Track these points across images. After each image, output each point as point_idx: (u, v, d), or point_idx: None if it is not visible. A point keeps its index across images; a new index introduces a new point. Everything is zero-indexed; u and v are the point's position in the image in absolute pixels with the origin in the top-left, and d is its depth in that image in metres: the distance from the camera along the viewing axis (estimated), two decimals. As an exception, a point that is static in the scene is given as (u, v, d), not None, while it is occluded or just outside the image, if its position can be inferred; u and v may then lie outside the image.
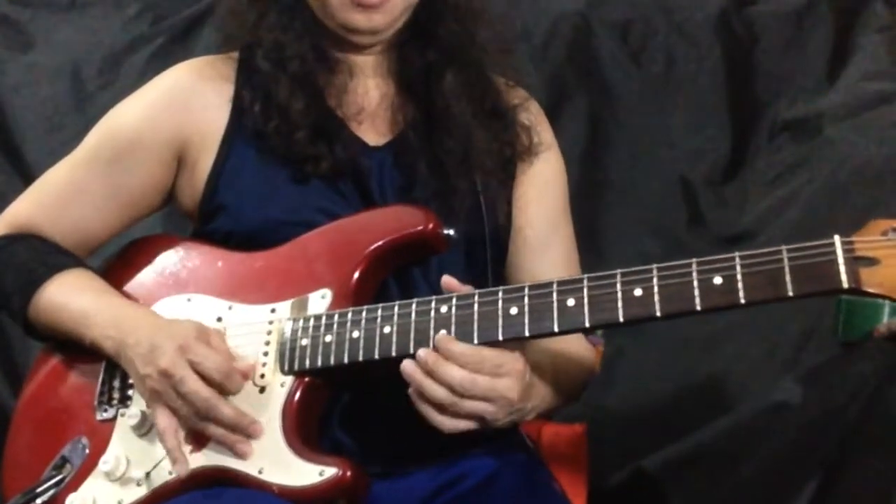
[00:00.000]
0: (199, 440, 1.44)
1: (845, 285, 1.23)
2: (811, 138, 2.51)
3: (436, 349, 1.37)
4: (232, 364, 1.44)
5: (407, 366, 1.38)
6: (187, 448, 1.44)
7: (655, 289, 1.31)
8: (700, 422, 2.29)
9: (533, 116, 1.72)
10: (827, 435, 2.00)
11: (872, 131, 2.36)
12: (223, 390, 1.42)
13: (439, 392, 1.36)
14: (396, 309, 1.42)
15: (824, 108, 2.53)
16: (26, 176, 2.59)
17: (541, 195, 1.70)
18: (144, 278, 1.62)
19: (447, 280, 1.43)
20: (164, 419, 1.43)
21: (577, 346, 1.65)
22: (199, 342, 1.43)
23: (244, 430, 1.42)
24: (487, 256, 1.63)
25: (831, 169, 2.39)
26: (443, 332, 1.38)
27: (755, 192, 2.59)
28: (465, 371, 1.36)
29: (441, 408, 1.38)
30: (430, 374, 1.36)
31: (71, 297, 1.56)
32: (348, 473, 1.37)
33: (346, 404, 1.52)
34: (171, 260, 1.62)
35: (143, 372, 1.44)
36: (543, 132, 1.72)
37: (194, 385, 1.40)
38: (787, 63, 2.67)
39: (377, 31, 1.59)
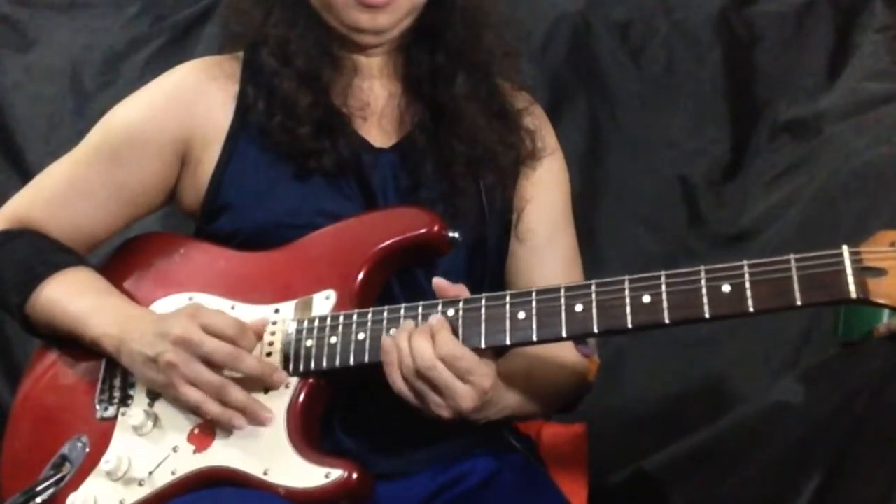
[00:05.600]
0: (203, 441, 1.44)
1: (853, 296, 1.23)
2: (811, 138, 2.52)
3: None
4: (242, 321, 1.45)
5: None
6: (190, 448, 1.44)
7: (664, 296, 1.31)
8: (700, 422, 2.29)
9: (537, 120, 1.71)
10: (827, 435, 2.00)
11: (872, 131, 2.37)
12: (239, 346, 1.43)
13: (407, 361, 1.36)
14: (402, 311, 1.42)
15: (824, 108, 2.53)
16: (26, 176, 2.57)
17: (541, 199, 1.70)
18: (145, 276, 1.62)
19: (437, 282, 1.43)
20: (191, 392, 1.42)
21: (564, 356, 1.65)
22: (206, 309, 1.45)
23: (267, 379, 1.43)
24: (489, 261, 1.63)
25: (831, 169, 2.39)
26: (439, 316, 1.38)
27: (755, 192, 2.59)
28: (437, 358, 1.36)
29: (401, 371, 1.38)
30: (409, 338, 1.37)
31: (71, 296, 1.55)
32: (354, 476, 1.37)
33: (348, 405, 1.52)
34: (172, 258, 1.62)
35: (152, 354, 1.43)
36: (547, 136, 1.72)
37: (213, 342, 1.41)
38: (787, 63, 2.68)
39: (381, 31, 1.58)
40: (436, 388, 1.37)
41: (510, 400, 1.52)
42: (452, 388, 1.36)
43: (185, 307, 1.47)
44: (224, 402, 1.42)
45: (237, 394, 1.42)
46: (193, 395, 1.42)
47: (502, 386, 1.48)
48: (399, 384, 1.38)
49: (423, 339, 1.36)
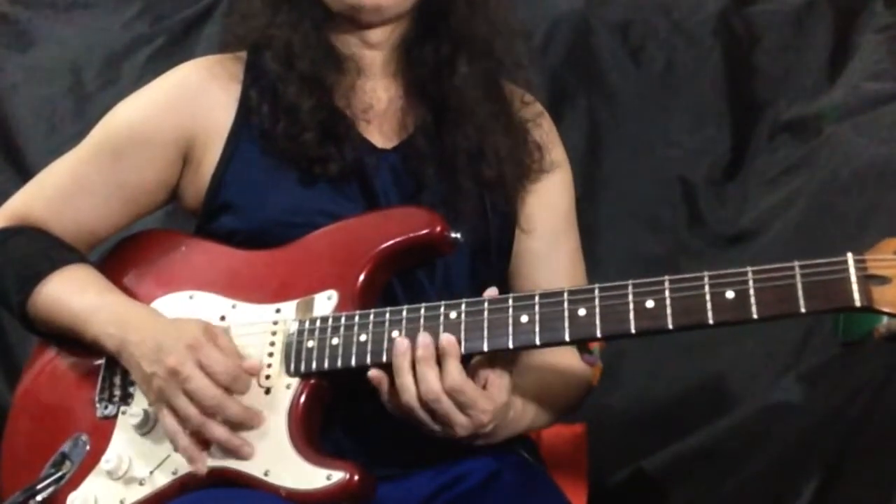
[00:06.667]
0: (204, 440, 1.43)
1: (858, 304, 1.24)
2: (811, 138, 2.52)
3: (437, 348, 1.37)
4: (240, 365, 1.43)
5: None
6: (194, 447, 1.44)
7: (668, 301, 1.31)
8: (700, 422, 2.30)
9: (545, 134, 1.71)
10: (827, 435, 2.01)
11: (872, 131, 2.37)
12: (231, 392, 1.42)
13: (410, 390, 1.37)
14: (405, 313, 1.42)
15: (824, 108, 2.53)
16: (26, 176, 2.56)
17: (545, 204, 1.70)
18: (144, 274, 1.61)
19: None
20: (169, 421, 1.42)
21: (572, 367, 1.66)
22: (209, 342, 1.43)
23: (249, 424, 1.42)
24: (492, 263, 1.63)
25: (831, 169, 2.39)
26: (451, 338, 1.38)
27: (755, 192, 2.59)
28: (441, 388, 1.36)
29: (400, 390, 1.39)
30: (413, 363, 1.37)
31: (72, 293, 1.55)
32: (356, 477, 1.37)
33: (348, 406, 1.51)
34: (172, 256, 1.61)
35: (148, 370, 1.43)
36: (554, 149, 1.72)
37: (201, 382, 1.40)
38: (787, 63, 2.68)
39: (382, 7, 1.57)
40: (434, 416, 1.38)
41: (520, 424, 1.54)
42: (450, 418, 1.38)
43: (192, 335, 1.43)
44: (203, 436, 1.41)
45: (216, 430, 1.41)
46: (170, 424, 1.42)
47: (519, 405, 1.50)
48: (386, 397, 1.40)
49: (430, 368, 1.37)
